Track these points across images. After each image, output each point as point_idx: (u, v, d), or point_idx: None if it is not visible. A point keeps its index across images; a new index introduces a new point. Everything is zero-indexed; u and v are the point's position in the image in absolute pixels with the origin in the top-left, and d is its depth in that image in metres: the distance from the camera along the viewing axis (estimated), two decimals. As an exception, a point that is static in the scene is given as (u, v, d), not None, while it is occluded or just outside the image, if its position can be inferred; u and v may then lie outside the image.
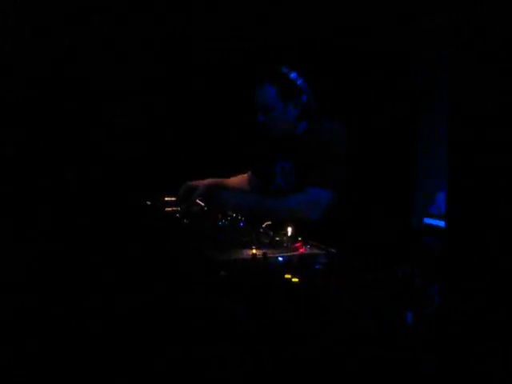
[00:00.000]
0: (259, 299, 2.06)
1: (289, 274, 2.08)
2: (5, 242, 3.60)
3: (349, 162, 3.30)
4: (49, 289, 3.01)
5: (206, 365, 2.05)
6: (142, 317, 2.50)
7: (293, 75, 3.33)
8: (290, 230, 2.57)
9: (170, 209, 3.21)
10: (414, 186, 4.66)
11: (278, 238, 2.59)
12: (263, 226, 2.75)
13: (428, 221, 4.51)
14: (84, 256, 3.07)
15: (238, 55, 4.88)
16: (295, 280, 2.04)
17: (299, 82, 3.34)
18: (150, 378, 2.28)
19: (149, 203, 3.26)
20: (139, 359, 2.37)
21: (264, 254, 2.27)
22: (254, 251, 2.28)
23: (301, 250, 2.43)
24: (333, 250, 2.41)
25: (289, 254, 2.38)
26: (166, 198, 3.40)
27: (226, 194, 3.30)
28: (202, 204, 3.16)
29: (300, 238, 2.53)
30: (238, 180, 3.87)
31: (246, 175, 3.89)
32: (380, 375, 1.87)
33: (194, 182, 3.46)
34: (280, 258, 2.28)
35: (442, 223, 4.15)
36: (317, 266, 2.23)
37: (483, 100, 3.38)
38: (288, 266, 2.24)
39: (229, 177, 3.89)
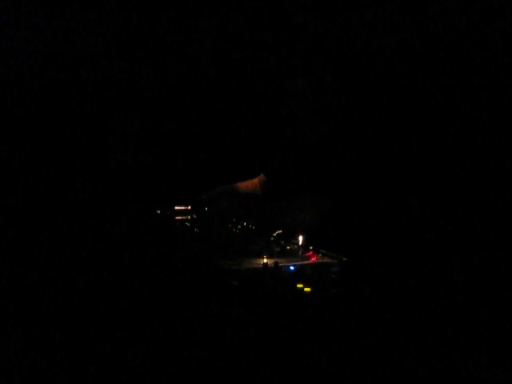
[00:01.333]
0: (271, 309, 2.05)
1: (301, 283, 2.08)
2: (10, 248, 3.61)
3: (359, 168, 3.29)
4: (53, 301, 3.02)
5: (218, 374, 2.05)
6: (151, 327, 2.50)
7: (328, 77, 3.29)
8: (301, 238, 2.56)
9: (180, 217, 3.20)
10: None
11: (289, 247, 2.58)
12: (274, 234, 2.74)
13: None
14: (92, 266, 3.06)
15: (256, 56, 4.86)
16: (307, 289, 2.04)
17: (335, 85, 3.30)
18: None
19: (159, 212, 3.26)
20: (145, 368, 2.36)
21: (275, 263, 2.26)
22: (266, 260, 2.27)
23: (312, 259, 2.43)
24: (344, 259, 2.40)
25: (300, 262, 2.37)
26: (177, 207, 3.39)
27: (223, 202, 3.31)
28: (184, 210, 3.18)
29: (311, 247, 2.52)
30: (248, 184, 3.84)
31: (256, 179, 3.85)
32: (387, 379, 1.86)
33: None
34: (292, 267, 2.28)
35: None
36: (328, 276, 2.23)
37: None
38: (300, 275, 2.24)
39: (242, 180, 3.85)
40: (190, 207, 3.44)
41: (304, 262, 2.40)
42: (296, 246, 2.55)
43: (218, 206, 3.34)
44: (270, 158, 3.84)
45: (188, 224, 3.11)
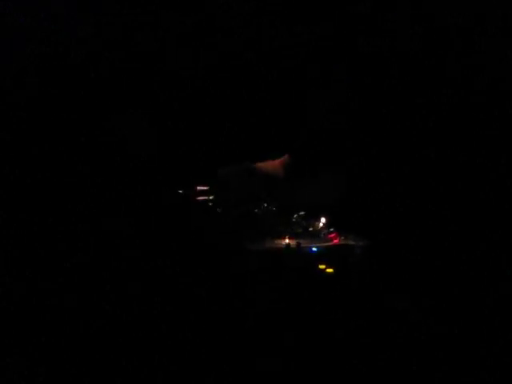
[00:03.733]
0: (293, 289, 2.06)
1: (323, 264, 2.08)
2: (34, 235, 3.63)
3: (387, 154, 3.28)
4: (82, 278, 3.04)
5: (243, 352, 2.06)
6: (176, 304, 2.51)
7: (347, 65, 3.28)
8: (323, 219, 2.56)
9: (202, 198, 3.20)
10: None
11: (311, 228, 2.58)
12: (297, 215, 2.74)
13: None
14: (118, 244, 3.08)
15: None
16: (329, 270, 2.04)
17: (352, 73, 3.30)
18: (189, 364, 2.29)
19: (180, 192, 3.26)
20: (174, 343, 2.38)
21: (297, 244, 2.27)
22: (288, 241, 2.27)
23: (335, 241, 2.42)
24: (367, 241, 2.40)
25: (323, 244, 2.37)
26: (199, 188, 3.39)
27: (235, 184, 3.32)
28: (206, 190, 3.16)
29: (334, 229, 2.52)
30: (271, 165, 3.83)
31: (280, 159, 3.84)
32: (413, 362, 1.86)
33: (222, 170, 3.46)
34: (314, 249, 2.28)
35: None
36: (351, 257, 2.23)
37: None
38: (322, 256, 2.24)
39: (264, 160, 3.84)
40: (210, 187, 3.45)
41: (326, 244, 2.40)
42: (319, 228, 2.55)
43: (238, 184, 3.34)
44: (294, 139, 3.83)
45: (210, 204, 3.11)
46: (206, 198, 3.29)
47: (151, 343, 2.56)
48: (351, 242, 2.40)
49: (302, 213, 2.77)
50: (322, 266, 2.02)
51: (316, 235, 2.50)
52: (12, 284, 3.21)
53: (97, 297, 2.94)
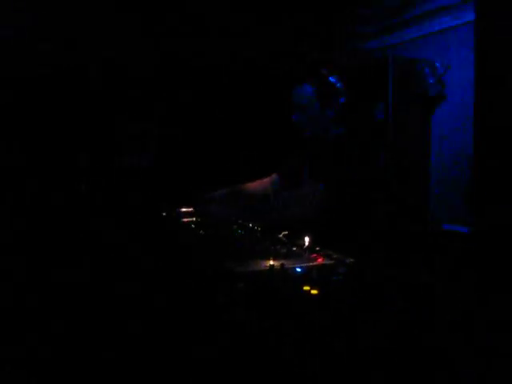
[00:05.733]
0: (278, 311, 2.03)
1: (307, 285, 2.06)
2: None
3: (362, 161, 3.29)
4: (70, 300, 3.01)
5: (225, 375, 2.03)
6: (159, 328, 2.49)
7: (332, 78, 3.31)
8: (307, 239, 2.54)
9: (186, 220, 3.19)
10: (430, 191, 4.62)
11: (295, 249, 2.56)
12: (280, 235, 2.73)
13: (447, 227, 4.46)
14: (101, 268, 3.06)
15: (267, 57, 4.84)
16: (314, 292, 2.02)
17: (338, 84, 3.32)
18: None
19: (164, 214, 3.24)
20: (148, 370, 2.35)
21: (282, 265, 2.24)
22: (272, 262, 2.25)
23: (319, 260, 2.40)
24: (351, 260, 2.38)
25: (307, 264, 2.35)
26: (183, 209, 3.38)
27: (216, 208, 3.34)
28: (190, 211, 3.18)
29: (318, 248, 2.50)
30: (259, 184, 3.83)
31: (267, 179, 3.84)
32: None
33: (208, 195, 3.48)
34: (298, 269, 2.26)
35: (463, 229, 4.10)
36: (335, 277, 2.20)
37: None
38: (306, 277, 2.22)
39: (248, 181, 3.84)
40: (192, 209, 3.44)
41: (310, 264, 2.38)
42: (302, 248, 2.53)
43: (223, 207, 3.33)
44: (281, 158, 3.82)
45: (193, 226, 3.09)
46: (189, 219, 3.28)
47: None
48: (335, 261, 2.37)
49: (286, 232, 2.75)
50: (306, 288, 1.99)
51: (300, 255, 2.48)
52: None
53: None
